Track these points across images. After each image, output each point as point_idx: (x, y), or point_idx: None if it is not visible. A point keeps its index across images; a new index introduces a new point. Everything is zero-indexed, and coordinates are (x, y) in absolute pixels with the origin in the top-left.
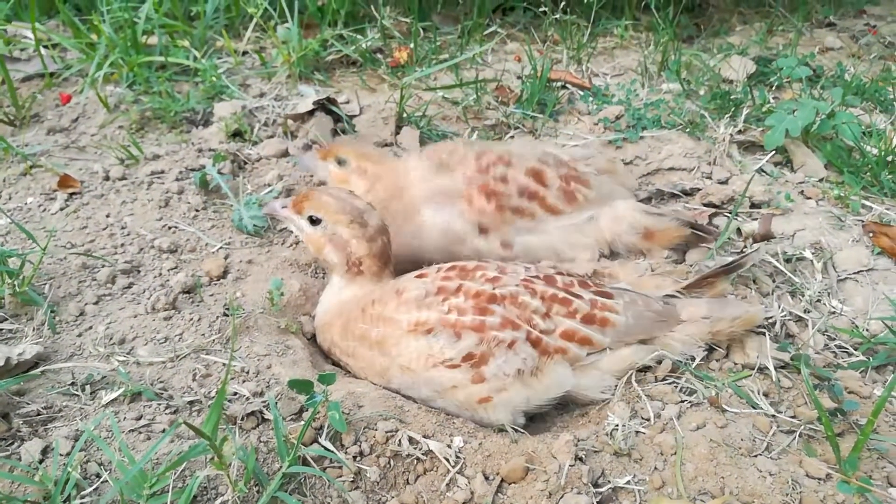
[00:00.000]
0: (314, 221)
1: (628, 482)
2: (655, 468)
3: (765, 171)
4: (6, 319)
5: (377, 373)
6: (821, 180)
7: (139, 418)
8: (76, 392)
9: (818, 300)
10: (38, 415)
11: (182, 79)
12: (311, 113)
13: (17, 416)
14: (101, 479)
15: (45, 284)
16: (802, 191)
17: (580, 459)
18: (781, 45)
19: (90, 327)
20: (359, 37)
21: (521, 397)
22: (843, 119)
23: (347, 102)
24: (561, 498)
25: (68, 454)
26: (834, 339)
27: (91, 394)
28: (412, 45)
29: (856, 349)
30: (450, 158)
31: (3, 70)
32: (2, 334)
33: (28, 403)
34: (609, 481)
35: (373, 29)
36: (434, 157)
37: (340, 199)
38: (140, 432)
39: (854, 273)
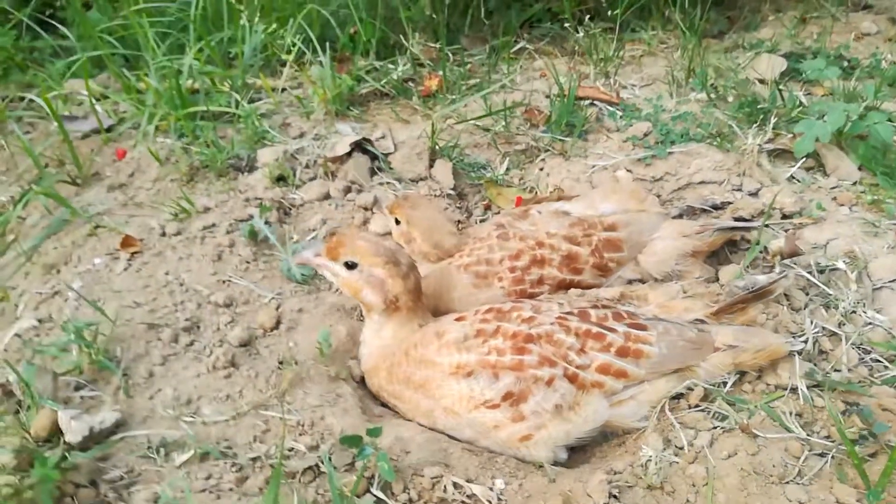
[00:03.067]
0: (350, 266)
1: None
2: (687, 500)
3: (796, 179)
4: (86, 386)
5: (423, 414)
6: (854, 184)
7: (209, 478)
8: (152, 455)
9: (853, 311)
10: (121, 480)
11: (226, 125)
12: (348, 154)
13: (103, 483)
14: None
15: (117, 347)
16: (835, 197)
17: (614, 496)
18: (815, 35)
19: (159, 389)
20: (391, 66)
21: (561, 432)
22: (875, 119)
23: (383, 137)
24: None
25: None
26: (869, 353)
27: (165, 455)
28: (441, 73)
29: (892, 362)
30: (487, 271)
31: (62, 132)
32: (84, 402)
33: (111, 469)
34: None
35: (403, 58)
36: (472, 269)
37: (373, 242)
38: (210, 492)
39: (890, 281)
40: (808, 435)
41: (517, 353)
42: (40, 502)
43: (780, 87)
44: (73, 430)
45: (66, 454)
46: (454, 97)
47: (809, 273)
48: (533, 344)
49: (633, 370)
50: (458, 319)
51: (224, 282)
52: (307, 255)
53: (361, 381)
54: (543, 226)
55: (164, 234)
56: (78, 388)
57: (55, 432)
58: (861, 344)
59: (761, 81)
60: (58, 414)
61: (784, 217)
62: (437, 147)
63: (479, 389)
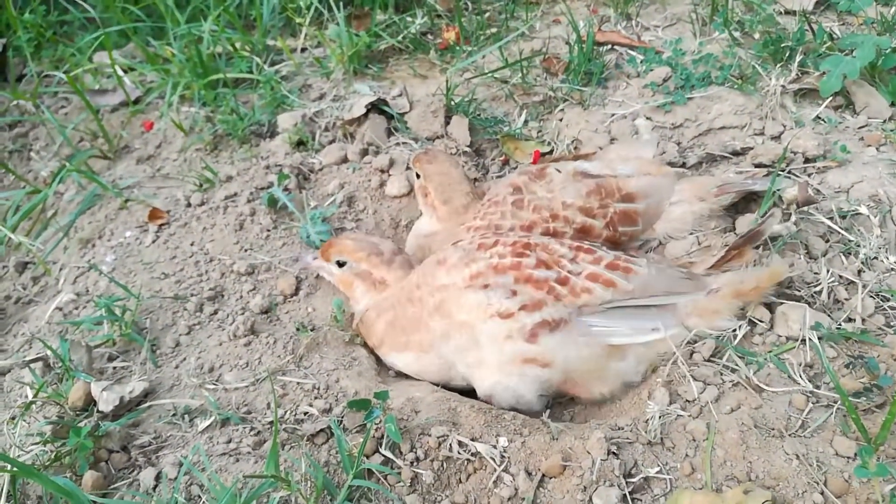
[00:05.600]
0: (341, 265)
1: (659, 471)
2: (686, 455)
3: (822, 119)
4: (118, 357)
5: (434, 339)
6: (885, 121)
7: (229, 442)
8: (178, 421)
9: (874, 257)
10: (150, 445)
11: (248, 91)
12: (365, 115)
13: (133, 448)
14: (202, 501)
15: (146, 318)
16: (862, 137)
17: (613, 454)
18: None
19: (184, 358)
20: (409, 19)
21: None
22: None
23: (399, 95)
24: (594, 491)
25: (175, 479)
26: (888, 300)
27: (190, 422)
28: (458, 24)
29: None
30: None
31: (90, 109)
32: (117, 372)
33: (141, 435)
34: (641, 471)
35: (420, 10)
36: (481, 233)
37: (357, 240)
38: (230, 455)
39: None
40: (815, 387)
41: (517, 256)
42: (78, 468)
43: (812, 19)
44: (105, 401)
45: (100, 423)
46: (471, 49)
47: (830, 219)
48: (530, 251)
49: (622, 282)
50: (454, 245)
51: (246, 250)
52: (308, 260)
53: None
54: (560, 193)
55: (189, 205)
56: (111, 359)
57: (90, 402)
58: (880, 291)
59: (793, 13)
60: (91, 386)
61: (807, 161)
62: (452, 104)
63: (495, 299)
